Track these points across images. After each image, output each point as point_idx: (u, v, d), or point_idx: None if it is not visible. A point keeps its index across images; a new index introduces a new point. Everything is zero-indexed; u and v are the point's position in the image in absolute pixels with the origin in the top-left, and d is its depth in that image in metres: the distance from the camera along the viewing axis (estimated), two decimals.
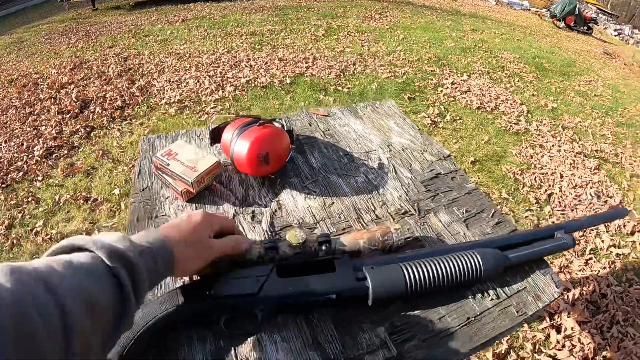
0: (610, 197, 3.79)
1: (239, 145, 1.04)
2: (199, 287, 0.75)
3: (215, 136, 1.17)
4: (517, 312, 0.85)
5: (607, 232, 3.37)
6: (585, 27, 12.38)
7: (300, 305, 0.77)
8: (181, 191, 1.03)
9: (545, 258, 0.96)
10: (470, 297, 0.86)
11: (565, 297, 2.66)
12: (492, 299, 0.86)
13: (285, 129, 1.17)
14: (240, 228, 1.00)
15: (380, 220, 1.04)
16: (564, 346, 2.44)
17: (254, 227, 1.00)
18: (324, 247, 0.83)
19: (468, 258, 0.84)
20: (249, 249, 0.79)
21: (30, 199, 3.35)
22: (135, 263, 0.55)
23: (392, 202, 1.09)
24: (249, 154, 1.02)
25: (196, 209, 1.04)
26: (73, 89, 5.20)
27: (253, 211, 1.04)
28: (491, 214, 1.08)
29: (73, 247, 0.54)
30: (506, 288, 0.89)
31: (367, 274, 0.78)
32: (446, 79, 5.72)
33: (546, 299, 0.89)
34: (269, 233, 0.98)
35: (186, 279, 0.85)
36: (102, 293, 0.49)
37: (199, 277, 0.79)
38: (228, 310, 0.74)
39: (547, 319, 2.51)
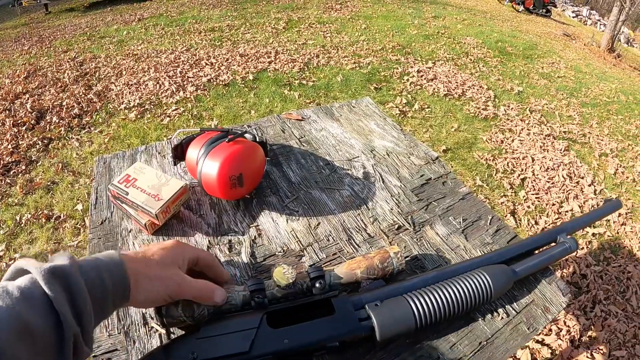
0: (582, 177, 3.82)
1: (207, 166, 0.90)
2: (183, 347, 0.62)
3: (179, 154, 1.03)
4: (528, 328, 0.78)
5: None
6: (544, 10, 12.65)
7: (300, 356, 0.66)
8: (145, 223, 0.90)
9: None
10: (480, 318, 0.79)
11: (559, 277, 2.65)
12: (502, 318, 0.79)
13: (258, 140, 1.05)
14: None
15: (373, 239, 0.93)
16: (550, 330, 2.44)
17: (233, 260, 0.87)
18: (317, 284, 0.72)
19: (477, 279, 0.75)
20: (223, 302, 0.67)
21: None
22: (71, 278, 0.50)
23: (383, 216, 0.99)
24: (219, 176, 0.89)
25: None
26: (28, 99, 4.91)
27: (230, 241, 0.91)
28: (489, 221, 1.00)
29: (20, 271, 0.51)
30: (515, 304, 0.82)
31: (371, 313, 0.68)
32: (411, 67, 5.68)
33: (555, 310, 0.83)
34: (251, 266, 0.86)
35: (161, 329, 0.73)
36: (37, 317, 0.45)
37: (182, 332, 0.68)
38: None
39: None
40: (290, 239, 0.92)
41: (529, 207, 3.41)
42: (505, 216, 3.29)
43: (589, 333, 2.45)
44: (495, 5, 12.85)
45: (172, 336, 0.70)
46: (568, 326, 2.47)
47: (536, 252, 0.90)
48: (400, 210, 1.01)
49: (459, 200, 1.05)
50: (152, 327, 0.74)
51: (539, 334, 2.35)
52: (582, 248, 3.11)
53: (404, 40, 6.88)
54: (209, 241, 0.91)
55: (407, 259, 0.88)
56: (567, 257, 2.89)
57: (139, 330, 0.74)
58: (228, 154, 0.90)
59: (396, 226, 0.96)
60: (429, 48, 6.59)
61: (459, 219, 0.99)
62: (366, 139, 1.28)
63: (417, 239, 0.93)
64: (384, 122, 1.37)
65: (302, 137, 1.28)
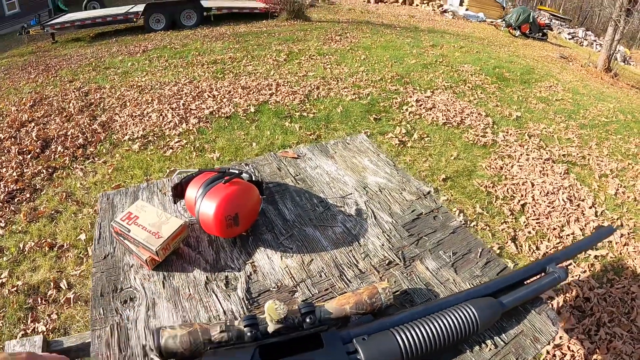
0: (582, 200, 3.83)
1: (204, 206, 0.95)
2: None
3: (179, 193, 1.08)
4: (517, 359, 0.80)
5: (582, 235, 3.40)
6: (541, 34, 12.84)
7: None
8: (146, 259, 0.94)
9: None
10: (467, 350, 0.81)
11: (550, 306, 2.64)
12: (490, 349, 0.82)
13: (254, 180, 1.10)
14: (214, 297, 0.92)
15: (364, 275, 0.97)
16: (554, 356, 2.43)
17: (229, 296, 0.91)
18: (308, 319, 0.75)
19: (463, 313, 0.78)
20: None
21: None
22: None
23: (374, 252, 1.03)
24: (216, 216, 0.94)
25: (164, 278, 0.96)
26: (33, 128, 5.00)
27: (226, 277, 0.95)
28: (479, 254, 1.03)
29: None
30: (503, 335, 0.85)
31: (359, 347, 0.71)
32: (410, 96, 5.76)
33: (544, 340, 0.85)
34: (246, 301, 0.90)
35: None
36: None
37: None
38: None
39: None
40: (284, 275, 0.96)
41: (529, 232, 3.42)
42: (506, 242, 3.30)
43: (594, 357, 2.44)
44: (492, 31, 13.07)
45: None
46: (572, 351, 2.46)
47: (526, 282, 0.92)
48: (391, 246, 1.05)
49: (449, 234, 1.09)
50: (152, 359, 0.78)
51: None
52: (585, 271, 3.11)
53: (403, 70, 6.98)
54: (206, 277, 0.96)
55: (396, 293, 0.92)
56: (568, 282, 2.91)
57: None
58: (224, 195, 0.95)
59: (387, 261, 1.00)
60: (428, 77, 6.69)
61: (449, 253, 1.03)
62: (359, 175, 1.32)
63: (407, 274, 0.97)
64: (377, 158, 1.42)
65: (297, 175, 1.32)
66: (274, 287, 0.93)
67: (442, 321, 0.77)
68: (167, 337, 0.70)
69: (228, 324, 0.74)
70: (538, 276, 0.94)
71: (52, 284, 2.81)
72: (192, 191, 1.01)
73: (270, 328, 0.74)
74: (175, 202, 1.12)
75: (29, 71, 7.92)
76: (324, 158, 1.42)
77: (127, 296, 0.91)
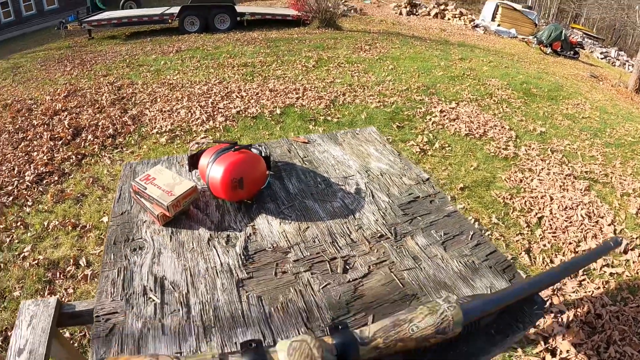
0: (602, 217, 3.80)
1: (214, 170, 1.05)
2: None
3: (194, 162, 1.18)
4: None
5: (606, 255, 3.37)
6: (572, 52, 12.66)
7: None
8: (158, 215, 1.04)
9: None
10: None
11: (560, 320, 2.64)
12: None
13: (263, 155, 1.18)
14: (214, 251, 1.00)
15: (355, 244, 1.03)
16: None
17: (228, 251, 1.00)
18: None
19: None
20: None
21: (19, 223, 3.33)
22: None
23: (368, 226, 1.10)
24: (223, 178, 1.03)
25: (172, 233, 1.05)
26: (66, 116, 5.23)
27: (228, 235, 1.04)
28: (470, 236, 1.08)
29: None
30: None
31: None
32: (435, 107, 5.79)
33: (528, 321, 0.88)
34: (243, 257, 0.98)
35: (157, 300, 0.85)
36: None
37: None
38: None
39: (542, 342, 2.49)
40: (280, 238, 1.05)
41: (544, 245, 3.41)
42: (520, 254, 3.30)
43: None
44: (523, 48, 12.96)
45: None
46: None
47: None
48: (385, 222, 1.11)
49: (443, 217, 1.15)
50: (150, 298, 0.87)
51: None
52: (599, 287, 3.08)
53: (429, 81, 7.01)
54: (210, 235, 1.05)
55: (385, 262, 0.98)
56: (580, 297, 2.90)
57: (138, 299, 0.88)
58: (232, 160, 1.05)
59: (378, 235, 1.07)
60: (454, 89, 6.70)
61: (440, 233, 1.09)
62: (364, 161, 1.40)
63: (396, 247, 1.03)
64: (383, 148, 1.49)
65: (305, 157, 1.41)
66: (270, 248, 1.01)
67: None
68: None
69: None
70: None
71: (71, 260, 2.94)
72: (204, 159, 1.11)
73: None
74: (190, 171, 1.22)
75: (64, 64, 8.24)
76: (333, 144, 1.50)
77: (137, 245, 1.02)
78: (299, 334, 0.80)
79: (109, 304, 0.87)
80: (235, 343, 0.79)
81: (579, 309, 2.85)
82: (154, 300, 0.87)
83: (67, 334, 2.31)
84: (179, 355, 0.73)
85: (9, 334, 2.40)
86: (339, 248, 1.02)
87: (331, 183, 1.27)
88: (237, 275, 0.93)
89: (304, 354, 0.60)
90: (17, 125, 5.11)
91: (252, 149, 1.17)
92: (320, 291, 0.90)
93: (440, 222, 1.13)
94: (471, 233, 1.09)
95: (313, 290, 0.90)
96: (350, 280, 0.93)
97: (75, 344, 2.31)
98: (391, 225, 1.10)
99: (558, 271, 0.94)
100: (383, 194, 1.23)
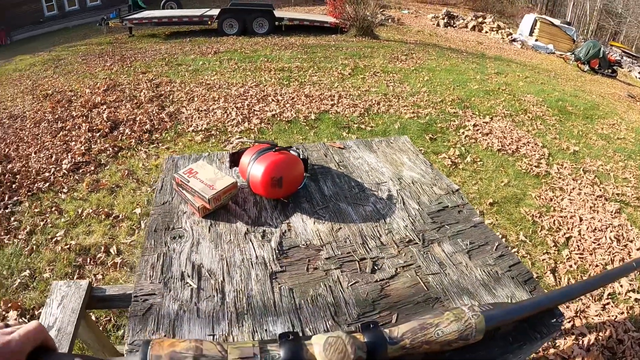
0: (631, 241, 3.74)
1: (255, 168, 1.12)
2: None
3: (235, 160, 1.25)
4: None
5: (626, 276, 3.31)
6: (610, 70, 12.40)
7: None
8: (198, 207, 1.10)
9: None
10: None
11: (580, 342, 2.62)
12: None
13: (301, 157, 1.24)
14: (250, 244, 1.06)
15: (385, 246, 1.08)
16: None
17: (264, 245, 1.06)
18: None
19: None
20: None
21: (53, 209, 3.48)
22: None
23: (397, 230, 1.14)
24: (263, 176, 1.10)
25: (211, 225, 1.11)
26: (105, 110, 5.42)
27: (264, 230, 1.10)
28: (495, 247, 1.11)
29: None
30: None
31: None
32: (468, 120, 5.77)
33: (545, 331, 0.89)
34: (277, 252, 1.04)
35: (194, 285, 0.91)
36: None
37: None
38: None
39: None
40: (314, 236, 1.10)
41: (570, 266, 3.37)
42: (545, 273, 3.28)
43: None
44: (560, 64, 12.76)
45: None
46: None
47: None
48: (414, 228, 1.15)
49: (470, 227, 1.18)
50: (187, 283, 0.93)
51: None
52: (622, 312, 3.04)
53: (464, 94, 6.99)
54: (247, 229, 1.11)
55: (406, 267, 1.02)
56: (603, 321, 2.86)
57: (176, 283, 0.95)
58: (273, 160, 1.12)
59: (407, 239, 1.11)
60: (488, 103, 6.67)
61: (466, 242, 1.12)
62: (397, 169, 1.44)
63: (423, 252, 1.07)
64: (416, 158, 1.53)
65: (340, 162, 1.47)
66: (303, 245, 1.07)
67: None
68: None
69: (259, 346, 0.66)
70: None
71: (102, 248, 3.06)
72: (246, 157, 1.18)
73: None
74: (231, 167, 1.29)
75: (104, 59, 8.52)
76: (367, 151, 1.55)
77: (177, 234, 1.09)
78: (327, 326, 0.86)
79: (148, 285, 0.94)
80: (266, 330, 0.84)
81: (600, 333, 2.81)
82: (190, 285, 0.93)
83: (92, 318, 2.41)
84: (221, 341, 0.78)
85: (36, 312, 2.51)
86: (368, 249, 1.07)
87: (364, 188, 1.32)
88: (271, 268, 0.99)
89: (338, 349, 0.63)
90: (57, 115, 5.33)
91: (291, 151, 1.23)
92: (348, 288, 0.95)
93: (466, 232, 1.16)
94: (496, 244, 1.12)
95: (342, 287, 0.95)
96: (378, 280, 0.97)
97: (100, 328, 2.40)
98: (419, 232, 1.14)
99: (579, 286, 0.95)
100: (414, 201, 1.27)
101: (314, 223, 1.15)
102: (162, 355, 0.60)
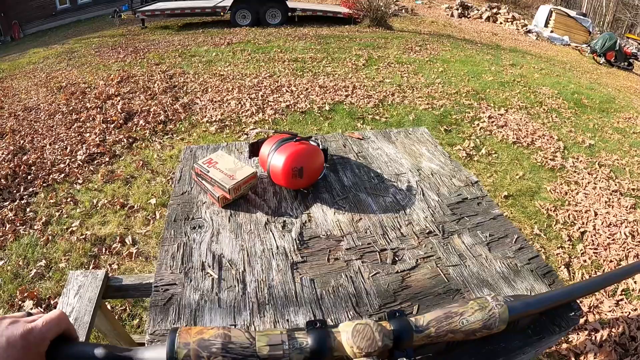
0: None
1: (275, 158, 1.12)
2: None
3: (254, 150, 1.25)
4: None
5: None
6: (626, 63, 12.21)
7: None
8: (218, 197, 1.11)
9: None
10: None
11: (593, 338, 2.61)
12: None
13: (321, 147, 1.24)
14: (271, 234, 1.06)
15: (405, 237, 1.08)
16: None
17: (284, 236, 1.06)
18: None
19: None
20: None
21: (69, 199, 3.52)
22: None
23: (417, 222, 1.14)
24: (284, 166, 1.10)
25: (231, 215, 1.11)
26: (119, 101, 5.46)
27: (284, 221, 1.11)
28: (514, 240, 1.10)
29: None
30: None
31: None
32: (483, 112, 5.72)
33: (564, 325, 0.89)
34: (298, 242, 1.04)
35: (215, 275, 0.92)
36: None
37: None
38: None
39: (573, 359, 2.47)
40: (334, 226, 1.10)
41: (585, 261, 3.35)
42: (559, 267, 3.25)
43: None
44: (575, 56, 12.59)
45: None
46: None
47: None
48: (433, 219, 1.15)
49: (489, 219, 1.17)
50: (208, 273, 0.94)
51: None
52: (636, 309, 3.01)
53: (479, 85, 6.93)
54: (267, 219, 1.12)
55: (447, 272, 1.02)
56: (617, 317, 2.83)
57: (196, 273, 0.96)
58: (294, 150, 1.11)
59: (427, 231, 1.11)
60: (503, 95, 6.60)
61: (485, 234, 1.11)
62: (415, 160, 1.43)
63: (443, 244, 1.07)
64: (435, 149, 1.52)
65: (359, 153, 1.46)
66: (324, 235, 1.07)
67: None
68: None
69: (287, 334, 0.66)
70: None
71: (117, 238, 3.09)
72: (266, 147, 1.18)
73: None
74: (250, 157, 1.29)
75: (118, 51, 8.56)
76: (386, 142, 1.54)
77: (197, 224, 1.09)
78: (349, 316, 0.86)
79: (168, 275, 0.94)
80: (287, 320, 0.84)
81: (613, 329, 2.79)
82: (211, 275, 0.94)
83: (108, 307, 2.44)
84: (250, 328, 0.79)
85: (52, 302, 2.55)
86: (389, 240, 1.06)
87: (384, 179, 1.31)
88: (292, 258, 0.99)
89: (366, 336, 0.64)
90: (71, 107, 5.38)
91: (311, 141, 1.23)
92: (369, 279, 0.95)
93: (486, 224, 1.15)
94: (515, 237, 1.11)
95: (363, 278, 0.95)
96: (399, 271, 0.97)
97: (116, 317, 2.43)
98: (439, 223, 1.14)
99: (599, 280, 0.94)
100: (433, 192, 1.26)
101: (334, 214, 1.15)
102: (190, 342, 0.60)
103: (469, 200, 1.24)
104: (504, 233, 1.13)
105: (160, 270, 0.95)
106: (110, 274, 1.42)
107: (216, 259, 0.99)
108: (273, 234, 1.06)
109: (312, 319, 0.83)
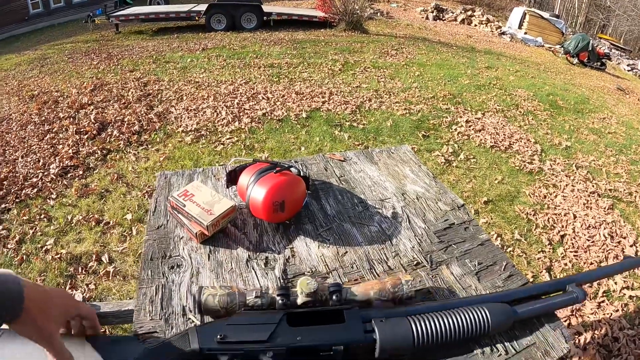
0: (624, 237, 3.74)
1: (255, 191, 1.06)
2: (214, 329, 0.76)
3: (232, 179, 1.20)
4: None
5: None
6: (599, 63, 12.49)
7: (309, 354, 0.77)
8: (196, 233, 1.05)
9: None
10: (478, 351, 0.85)
11: (577, 341, 2.62)
12: (500, 355, 0.85)
13: (302, 175, 1.19)
14: (253, 273, 1.01)
15: (393, 271, 1.04)
16: None
17: (267, 274, 1.01)
18: (334, 297, 0.84)
19: (476, 313, 0.84)
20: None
21: (42, 216, 3.39)
22: None
23: (404, 253, 1.10)
24: (265, 201, 1.04)
25: (210, 252, 1.06)
26: (92, 110, 5.31)
27: (267, 257, 1.05)
28: (503, 267, 1.08)
29: None
30: (515, 343, 0.88)
31: (376, 327, 0.79)
32: (460, 117, 5.75)
33: (555, 355, 0.87)
34: (282, 280, 0.99)
35: (197, 321, 0.86)
36: None
37: (211, 319, 0.83)
38: (238, 355, 0.75)
39: None
40: (319, 262, 1.05)
41: (565, 264, 3.37)
42: (541, 272, 3.27)
43: None
44: (549, 57, 12.80)
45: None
46: None
47: (543, 297, 0.96)
48: (421, 249, 1.11)
49: (477, 246, 1.14)
50: (189, 319, 0.88)
51: None
52: (617, 310, 3.04)
53: (456, 89, 6.97)
54: (248, 255, 1.06)
55: (417, 289, 0.98)
56: (599, 320, 2.85)
57: (178, 320, 0.90)
58: (274, 183, 1.06)
59: (415, 262, 1.07)
60: (480, 99, 6.65)
61: (474, 262, 1.08)
62: (400, 182, 1.40)
63: (432, 276, 1.03)
64: (418, 169, 1.48)
65: (342, 176, 1.42)
66: (309, 272, 1.02)
67: (455, 317, 0.82)
68: (208, 295, 0.82)
69: (263, 291, 0.84)
70: (556, 293, 0.97)
71: (94, 256, 2.98)
72: (245, 178, 1.12)
73: (300, 300, 0.83)
74: (227, 187, 1.24)
75: (91, 57, 8.37)
76: (369, 163, 1.50)
77: (175, 263, 1.03)
78: None
79: (148, 322, 0.88)
80: None
81: (596, 331, 2.82)
82: (193, 321, 0.88)
83: None
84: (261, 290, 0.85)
85: None
86: (376, 275, 1.02)
87: (368, 206, 1.27)
88: None
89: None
90: (43, 117, 5.22)
91: (292, 169, 1.18)
92: None
93: (474, 251, 1.12)
94: (504, 264, 1.09)
95: None
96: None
97: None
98: (427, 253, 1.10)
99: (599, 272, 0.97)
100: (419, 219, 1.23)
101: (318, 247, 1.10)
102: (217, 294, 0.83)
103: (456, 225, 1.21)
104: (493, 260, 1.10)
105: (139, 317, 0.89)
106: (87, 295, 1.35)
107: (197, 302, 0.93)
108: (255, 272, 1.01)
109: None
